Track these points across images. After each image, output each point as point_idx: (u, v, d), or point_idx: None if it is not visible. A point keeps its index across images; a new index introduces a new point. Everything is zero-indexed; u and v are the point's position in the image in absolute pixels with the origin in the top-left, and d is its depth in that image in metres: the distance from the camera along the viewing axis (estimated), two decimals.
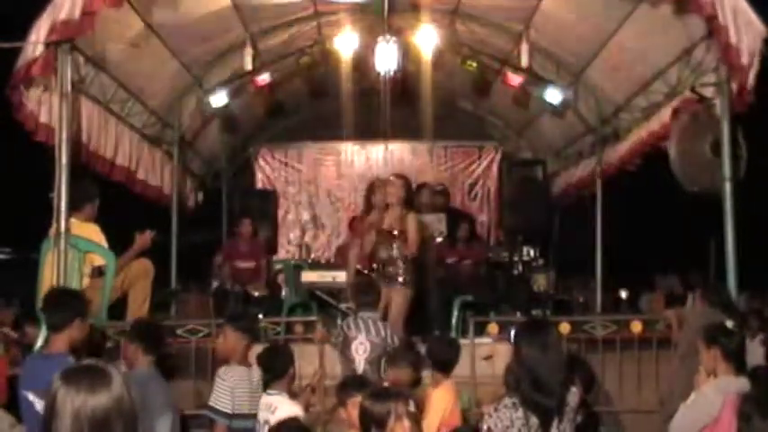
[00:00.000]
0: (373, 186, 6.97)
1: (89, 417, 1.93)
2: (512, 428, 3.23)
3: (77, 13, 5.33)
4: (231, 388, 4.31)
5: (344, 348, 5.51)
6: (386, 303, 6.23)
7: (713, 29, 5.71)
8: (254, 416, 4.37)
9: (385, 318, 6.04)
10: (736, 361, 4.04)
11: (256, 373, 4.50)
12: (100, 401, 1.95)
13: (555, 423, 3.27)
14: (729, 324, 4.32)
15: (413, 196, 6.84)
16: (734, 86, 5.90)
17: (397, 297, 6.27)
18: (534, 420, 3.23)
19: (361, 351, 5.39)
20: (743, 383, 3.87)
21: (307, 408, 4.69)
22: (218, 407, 4.29)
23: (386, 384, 4.49)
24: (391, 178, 6.77)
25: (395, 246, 6.36)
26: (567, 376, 3.37)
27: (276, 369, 4.49)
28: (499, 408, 3.29)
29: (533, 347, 3.30)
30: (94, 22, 5.44)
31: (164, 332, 5.03)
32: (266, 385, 4.47)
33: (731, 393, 3.75)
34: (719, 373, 4.02)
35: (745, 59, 5.59)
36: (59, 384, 1.97)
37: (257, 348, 4.76)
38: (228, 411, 4.28)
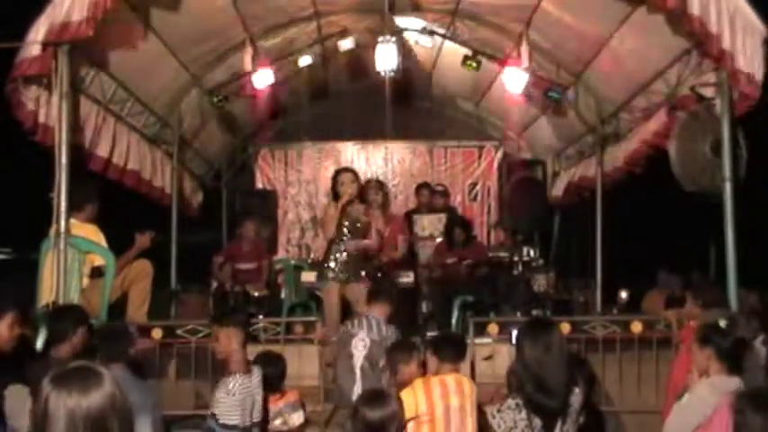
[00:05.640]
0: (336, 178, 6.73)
1: (84, 417, 1.91)
2: (515, 430, 3.23)
3: (75, 17, 5.32)
4: (241, 401, 4.23)
5: (345, 345, 5.49)
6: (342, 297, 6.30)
7: (704, 38, 5.68)
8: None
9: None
10: (730, 361, 4.01)
11: (255, 377, 4.46)
12: (93, 401, 1.93)
13: (558, 424, 3.26)
14: (723, 323, 4.30)
15: (362, 191, 6.71)
16: (734, 90, 5.87)
17: (360, 294, 6.12)
18: (538, 422, 3.22)
19: (360, 347, 5.37)
20: (736, 383, 3.85)
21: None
22: (230, 422, 4.18)
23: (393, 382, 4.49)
24: (344, 175, 6.57)
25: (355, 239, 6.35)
26: (570, 377, 3.35)
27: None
28: (502, 409, 3.29)
29: (537, 348, 3.28)
30: (93, 27, 5.40)
31: (128, 335, 4.75)
32: None
33: (725, 393, 3.73)
34: (712, 372, 3.99)
35: (742, 64, 5.57)
36: (50, 388, 1.93)
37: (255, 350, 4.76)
38: (239, 424, 4.20)
